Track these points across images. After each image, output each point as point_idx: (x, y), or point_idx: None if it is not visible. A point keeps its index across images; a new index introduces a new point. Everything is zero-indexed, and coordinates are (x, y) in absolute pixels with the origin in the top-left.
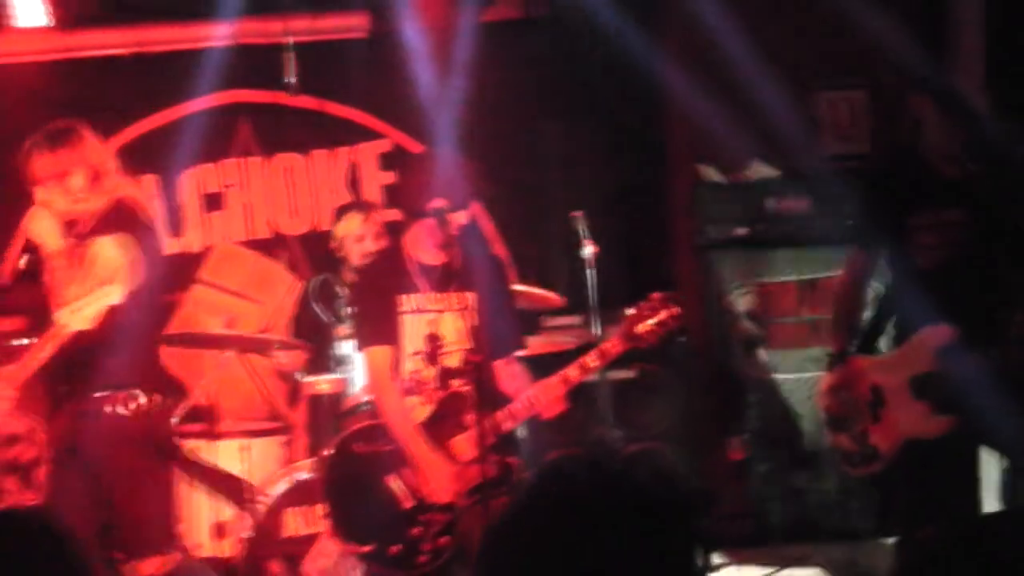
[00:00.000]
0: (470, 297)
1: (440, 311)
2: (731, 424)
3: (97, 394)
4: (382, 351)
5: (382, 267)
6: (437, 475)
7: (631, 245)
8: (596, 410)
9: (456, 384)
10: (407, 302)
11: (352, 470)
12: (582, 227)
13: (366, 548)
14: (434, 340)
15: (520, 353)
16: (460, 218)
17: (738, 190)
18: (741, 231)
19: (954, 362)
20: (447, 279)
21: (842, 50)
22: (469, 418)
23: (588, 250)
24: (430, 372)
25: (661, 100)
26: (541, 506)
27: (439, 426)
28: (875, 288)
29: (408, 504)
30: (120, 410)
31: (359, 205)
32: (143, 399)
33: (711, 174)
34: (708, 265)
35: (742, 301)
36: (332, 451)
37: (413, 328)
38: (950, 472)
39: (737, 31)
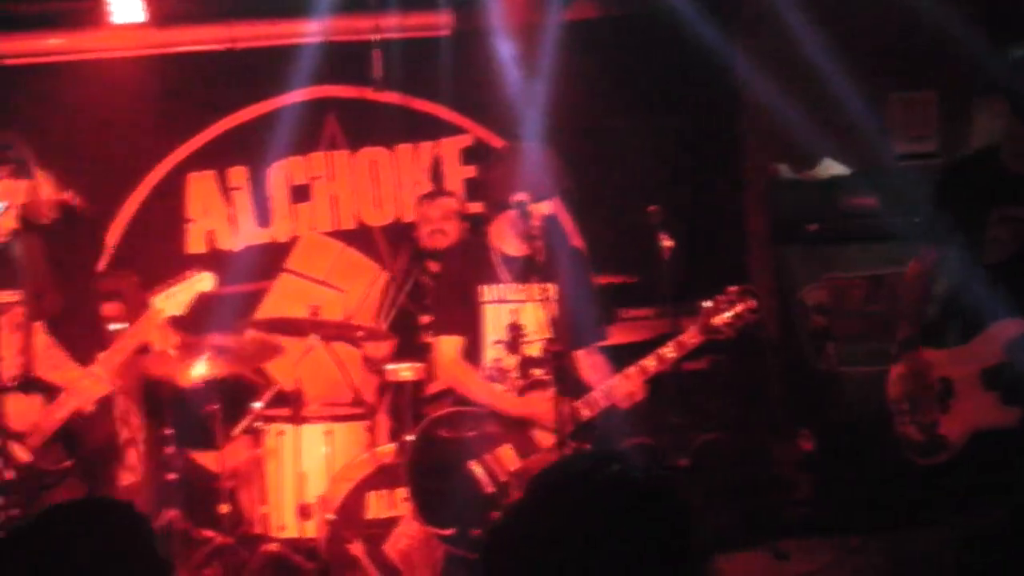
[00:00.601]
0: (552, 288)
1: (522, 301)
2: (800, 416)
3: None
4: (454, 341)
5: (464, 258)
6: (539, 411)
7: (706, 239)
8: (667, 401)
9: (537, 373)
10: (489, 292)
11: (435, 455)
12: (658, 221)
13: (448, 531)
14: (516, 329)
15: (601, 344)
16: (542, 210)
17: (810, 187)
18: (813, 227)
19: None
20: (529, 270)
21: (915, 50)
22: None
23: (664, 244)
24: (511, 361)
25: (736, 97)
26: (538, 507)
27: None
28: (942, 284)
29: (490, 489)
30: None
31: (431, 192)
32: None
33: (784, 171)
34: (780, 260)
35: (813, 295)
36: (416, 437)
37: (495, 318)
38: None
39: (812, 29)
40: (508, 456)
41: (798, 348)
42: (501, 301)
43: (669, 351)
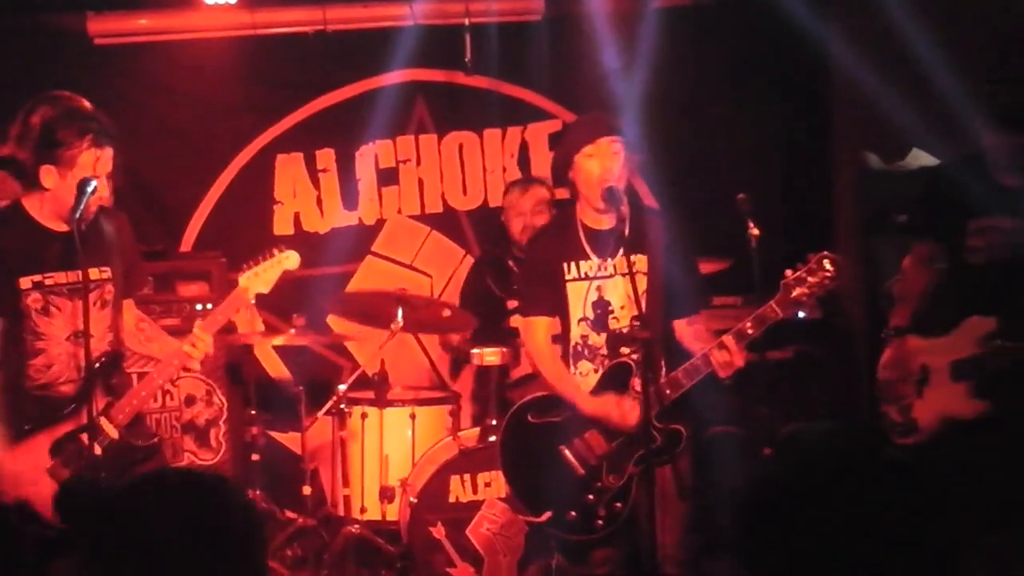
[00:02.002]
0: (641, 260)
1: (609, 276)
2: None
3: None
4: (542, 322)
5: (551, 236)
6: (613, 413)
7: (795, 228)
8: (753, 390)
9: (625, 351)
10: (575, 269)
11: (525, 441)
12: (747, 210)
13: (544, 518)
14: (602, 306)
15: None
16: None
17: (899, 177)
18: (901, 218)
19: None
20: (617, 243)
21: (1017, 39)
22: (636, 385)
23: (752, 232)
24: (599, 338)
25: (829, 84)
26: (805, 481)
27: (606, 394)
28: (934, 277)
29: (580, 472)
30: None
31: (522, 180)
32: None
33: (873, 160)
34: (869, 251)
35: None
36: (504, 424)
37: (581, 294)
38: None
39: (910, 14)
40: (596, 440)
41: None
42: (587, 278)
43: (750, 326)
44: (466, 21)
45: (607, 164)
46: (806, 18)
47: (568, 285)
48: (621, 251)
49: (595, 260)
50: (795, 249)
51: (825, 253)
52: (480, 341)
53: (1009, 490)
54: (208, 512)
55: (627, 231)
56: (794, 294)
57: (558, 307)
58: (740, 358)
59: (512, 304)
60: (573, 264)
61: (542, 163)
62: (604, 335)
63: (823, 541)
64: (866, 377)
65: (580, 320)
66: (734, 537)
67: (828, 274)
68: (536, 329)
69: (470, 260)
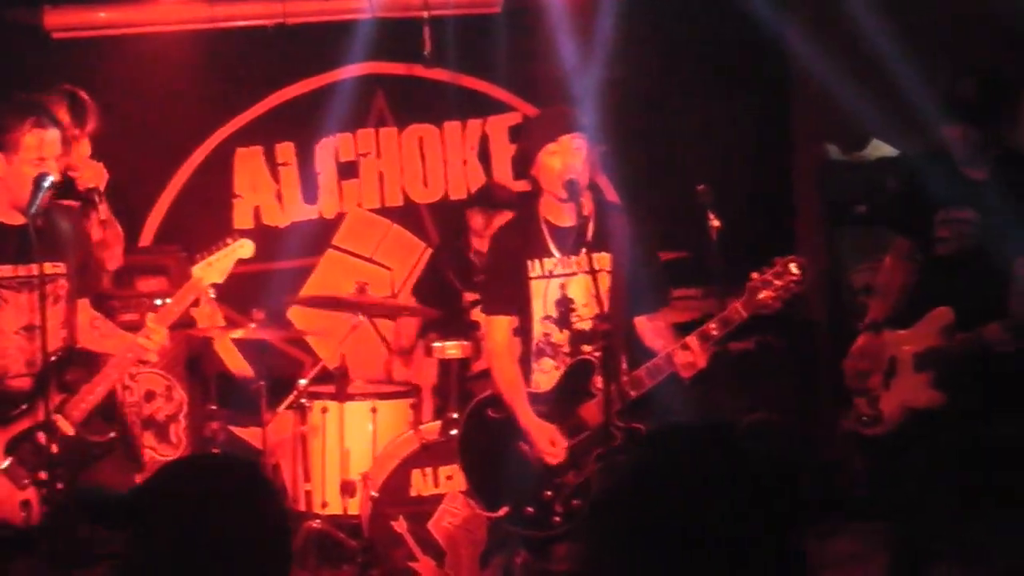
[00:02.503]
0: (604, 258)
1: (572, 274)
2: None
3: None
4: (503, 321)
5: (514, 232)
6: (542, 441)
7: (755, 219)
8: (715, 382)
9: (587, 349)
10: (538, 266)
11: (484, 437)
12: (707, 201)
13: (502, 512)
14: (565, 303)
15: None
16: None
17: (859, 168)
18: (861, 208)
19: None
20: (580, 241)
21: (971, 32)
22: (598, 383)
23: (712, 224)
24: (562, 336)
25: (788, 76)
26: (649, 477)
27: (568, 391)
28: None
29: (539, 469)
30: None
31: (488, 204)
32: None
33: (833, 151)
34: (830, 241)
35: (861, 277)
36: (464, 419)
37: (544, 292)
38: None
39: (866, 9)
40: (556, 436)
41: (847, 330)
42: (550, 276)
43: (714, 328)
44: (425, 14)
45: (569, 160)
46: (765, 10)
47: (531, 282)
48: (584, 248)
49: (558, 257)
50: (756, 240)
51: (792, 257)
52: (441, 334)
53: (968, 481)
54: (246, 498)
55: (591, 228)
56: (759, 297)
57: (521, 305)
58: (703, 359)
59: (471, 297)
60: (537, 261)
61: (502, 156)
62: (567, 333)
63: (664, 541)
64: (826, 367)
65: (543, 318)
66: (582, 531)
67: (794, 278)
68: (496, 328)
69: (430, 253)
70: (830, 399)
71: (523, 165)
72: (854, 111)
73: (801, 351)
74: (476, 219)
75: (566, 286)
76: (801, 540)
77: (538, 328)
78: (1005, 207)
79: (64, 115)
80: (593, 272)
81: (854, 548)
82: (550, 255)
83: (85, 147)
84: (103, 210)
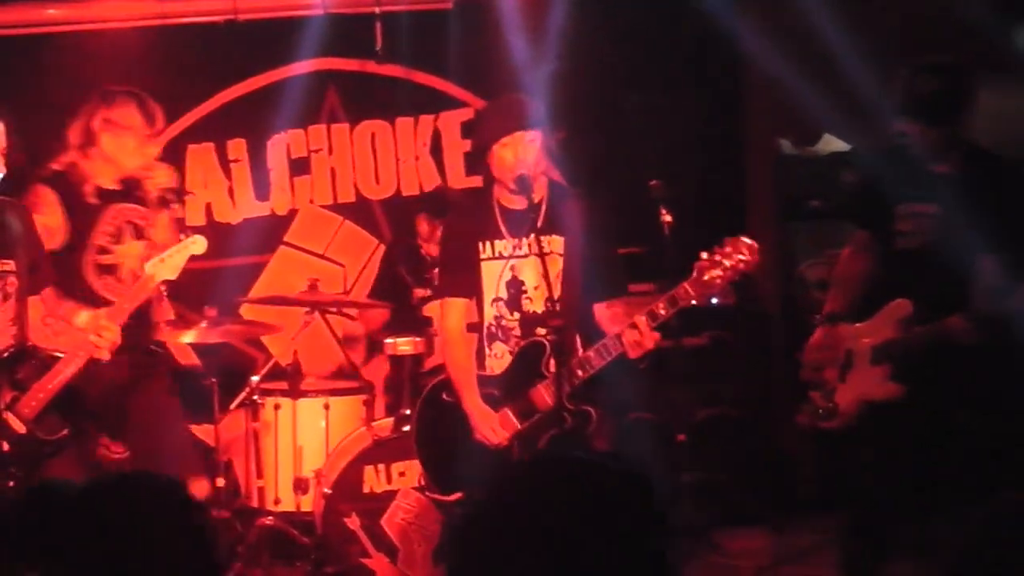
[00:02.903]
0: (556, 241)
1: (523, 256)
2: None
3: None
4: (456, 303)
5: (466, 215)
6: (483, 426)
7: (708, 214)
8: (668, 376)
9: (540, 332)
10: (489, 248)
11: (438, 420)
12: (660, 196)
13: (454, 498)
14: (516, 286)
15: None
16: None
17: (811, 162)
18: (814, 203)
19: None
20: (532, 223)
21: (922, 26)
22: (547, 366)
23: (665, 219)
24: (513, 319)
25: (740, 71)
26: (501, 509)
27: (518, 374)
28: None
29: (491, 453)
30: None
31: (433, 212)
32: None
33: (786, 146)
34: (783, 236)
35: (813, 271)
36: (419, 402)
37: (496, 274)
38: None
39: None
40: (507, 420)
41: (801, 324)
42: (501, 257)
43: (662, 308)
44: (376, 9)
45: (522, 154)
46: (717, 4)
47: (482, 264)
48: (536, 231)
49: (509, 239)
50: (708, 235)
51: (741, 237)
52: (393, 330)
53: (925, 473)
54: (157, 515)
55: (543, 211)
56: (707, 277)
57: (473, 287)
58: (650, 339)
59: (420, 294)
60: (488, 243)
61: (455, 152)
62: (518, 315)
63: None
64: (780, 362)
65: (494, 300)
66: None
67: (743, 258)
68: (449, 311)
69: (383, 249)
70: (784, 393)
71: (477, 157)
72: (806, 106)
73: (755, 345)
74: (422, 225)
75: (517, 268)
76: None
77: (489, 310)
78: (968, 202)
79: (135, 118)
80: (543, 255)
81: (809, 542)
82: (501, 237)
83: (155, 149)
84: (178, 210)
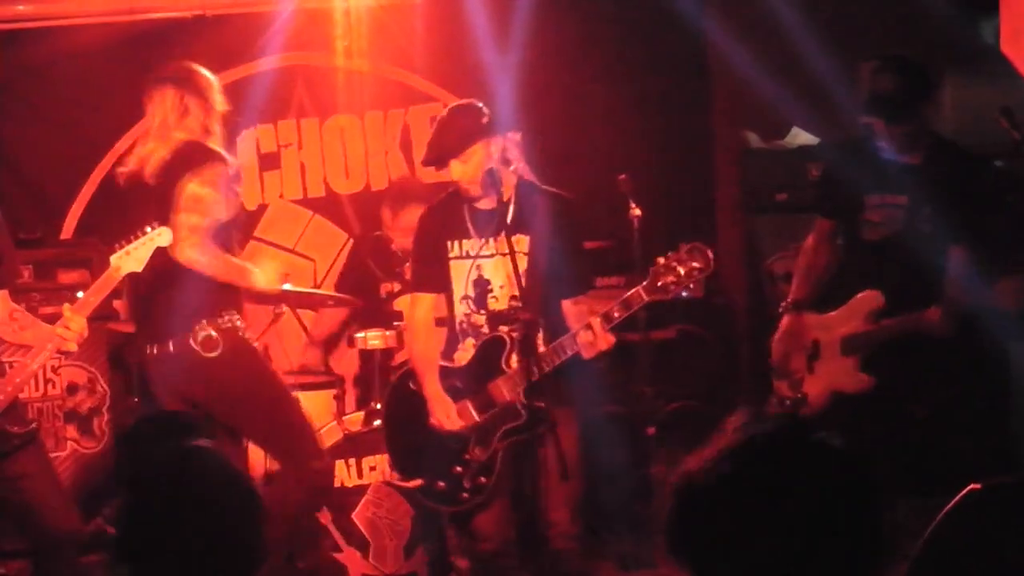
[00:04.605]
0: (522, 240)
1: (490, 255)
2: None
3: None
4: (424, 298)
5: (437, 214)
6: (438, 412)
7: (675, 208)
8: (636, 370)
9: (504, 329)
10: (457, 247)
11: (404, 408)
12: (627, 190)
13: (414, 484)
14: (482, 285)
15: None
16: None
17: (779, 156)
18: (782, 196)
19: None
20: (500, 223)
21: (887, 19)
22: (508, 362)
23: (633, 212)
24: (480, 317)
25: (706, 64)
26: (750, 479)
27: (479, 368)
28: (834, 253)
29: (451, 444)
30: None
31: (395, 198)
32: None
33: (753, 140)
34: (750, 229)
35: (780, 265)
36: (389, 390)
37: (463, 273)
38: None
39: None
40: (466, 411)
41: (768, 317)
42: (468, 256)
43: (616, 311)
44: (345, 4)
45: (480, 165)
46: None
47: (451, 263)
48: (503, 231)
49: (477, 239)
50: (675, 228)
51: (696, 244)
52: (363, 324)
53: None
54: (214, 488)
55: (511, 211)
56: (660, 282)
57: (443, 283)
58: (604, 341)
59: (388, 288)
60: (456, 242)
61: (423, 146)
62: (484, 313)
63: (761, 536)
64: (748, 355)
65: (462, 298)
66: (674, 530)
67: (697, 266)
68: (417, 305)
69: (352, 243)
70: (751, 386)
71: (438, 166)
72: (774, 99)
73: (722, 339)
74: (386, 214)
75: (483, 267)
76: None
77: (459, 308)
78: (934, 194)
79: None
80: (508, 254)
81: None
82: (468, 236)
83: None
84: None
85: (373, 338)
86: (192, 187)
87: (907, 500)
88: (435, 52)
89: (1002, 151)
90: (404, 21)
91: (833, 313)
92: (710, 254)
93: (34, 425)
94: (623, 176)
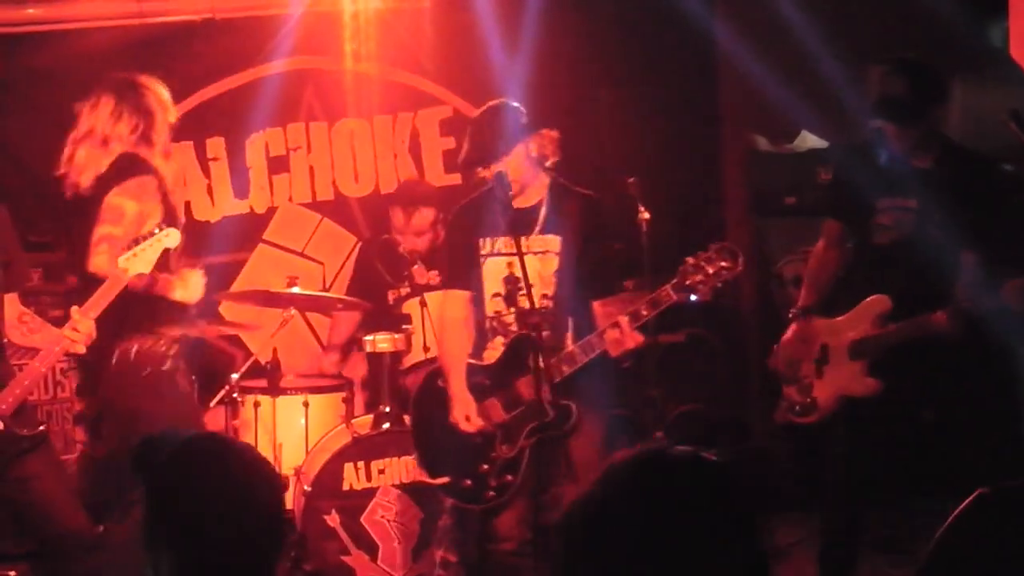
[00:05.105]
0: (553, 240)
1: (521, 254)
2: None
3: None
4: (455, 295)
5: (471, 211)
6: (459, 410)
7: (684, 211)
8: (645, 373)
9: (534, 327)
10: (489, 245)
11: (431, 405)
12: (636, 193)
13: (440, 481)
14: (512, 283)
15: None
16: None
17: (788, 159)
18: (790, 200)
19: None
20: (532, 222)
21: (896, 23)
22: (536, 360)
23: (642, 216)
24: (510, 314)
25: (715, 68)
26: (633, 500)
27: (507, 365)
28: (844, 258)
29: (477, 440)
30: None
31: (407, 200)
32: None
33: (762, 143)
34: (758, 233)
35: (790, 268)
36: (419, 385)
37: (495, 270)
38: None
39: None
40: (495, 408)
41: (777, 321)
42: (499, 254)
43: (644, 309)
44: (354, 7)
45: (520, 165)
46: (693, 2)
47: (483, 260)
48: (537, 230)
49: (508, 237)
50: (684, 232)
51: (726, 244)
52: (372, 327)
53: (901, 469)
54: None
55: (543, 210)
56: (689, 281)
57: (475, 281)
58: (631, 339)
59: (394, 294)
60: (488, 240)
61: (433, 149)
62: (514, 311)
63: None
64: (756, 359)
65: (493, 295)
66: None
67: (726, 265)
68: (450, 301)
69: (361, 246)
70: (760, 390)
71: (481, 167)
72: (782, 103)
73: (731, 342)
74: (396, 216)
75: (514, 266)
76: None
77: (490, 306)
78: (945, 197)
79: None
80: (543, 253)
81: (785, 540)
82: (501, 234)
83: None
84: None
85: (382, 341)
86: (112, 198)
87: (916, 504)
88: (444, 55)
89: (1011, 155)
90: (413, 24)
91: (841, 317)
92: (739, 254)
93: (43, 427)
94: (632, 179)
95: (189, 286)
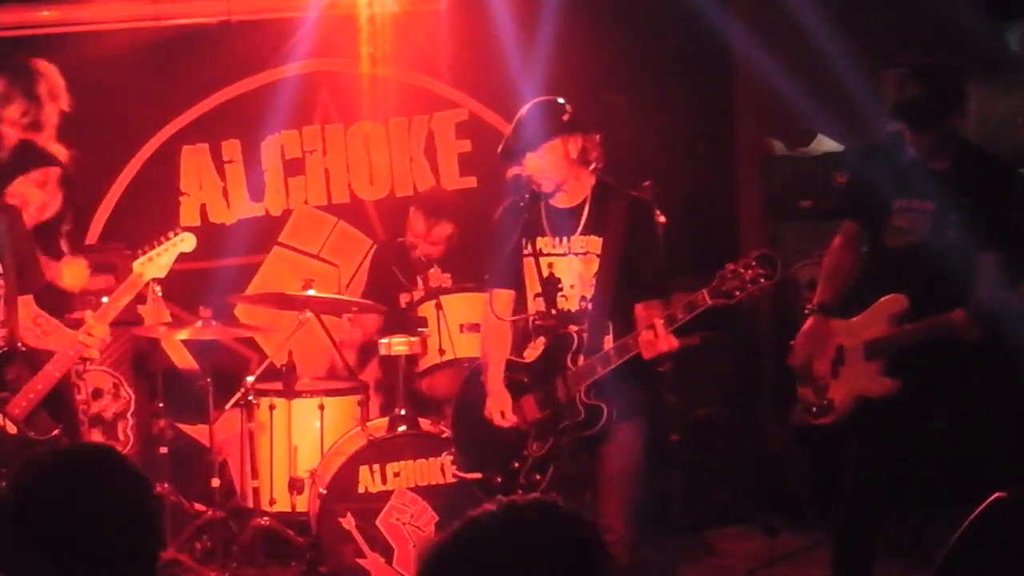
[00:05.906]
0: (595, 242)
1: (563, 255)
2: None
3: None
4: (499, 294)
5: (514, 211)
6: (493, 407)
7: (699, 215)
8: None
9: (574, 328)
10: (531, 245)
11: (475, 401)
12: (652, 197)
13: (472, 477)
14: (553, 283)
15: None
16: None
17: (803, 163)
18: (806, 203)
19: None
20: (575, 224)
21: (911, 26)
22: (574, 360)
23: (659, 219)
24: (551, 314)
25: (731, 72)
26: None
27: (546, 364)
28: (860, 257)
29: (511, 438)
30: None
31: (431, 210)
32: None
33: (777, 147)
34: (774, 236)
35: (805, 272)
36: (463, 381)
37: (536, 270)
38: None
39: (808, 3)
40: (529, 406)
41: (792, 325)
42: (541, 254)
43: (679, 312)
44: (370, 10)
45: (556, 162)
46: (709, 4)
47: (524, 260)
48: (579, 231)
49: (550, 238)
50: (699, 236)
51: (766, 252)
52: (388, 331)
53: (916, 470)
54: (109, 488)
55: (586, 211)
56: (726, 287)
57: (518, 280)
58: (665, 342)
59: (406, 298)
60: (530, 240)
61: (448, 152)
62: (555, 312)
63: None
64: (771, 362)
65: (535, 296)
66: None
67: (764, 273)
68: (494, 300)
69: (377, 249)
70: (774, 394)
71: (512, 161)
72: (798, 106)
73: (746, 346)
74: (417, 221)
75: (555, 266)
76: None
77: (531, 305)
78: (962, 200)
79: None
80: (585, 254)
81: (801, 542)
82: (543, 235)
83: None
84: None
85: (398, 344)
86: (16, 186)
87: (931, 506)
88: (459, 59)
89: None
90: (428, 27)
91: (857, 318)
92: (778, 263)
93: (57, 431)
94: (647, 183)
95: (75, 274)
